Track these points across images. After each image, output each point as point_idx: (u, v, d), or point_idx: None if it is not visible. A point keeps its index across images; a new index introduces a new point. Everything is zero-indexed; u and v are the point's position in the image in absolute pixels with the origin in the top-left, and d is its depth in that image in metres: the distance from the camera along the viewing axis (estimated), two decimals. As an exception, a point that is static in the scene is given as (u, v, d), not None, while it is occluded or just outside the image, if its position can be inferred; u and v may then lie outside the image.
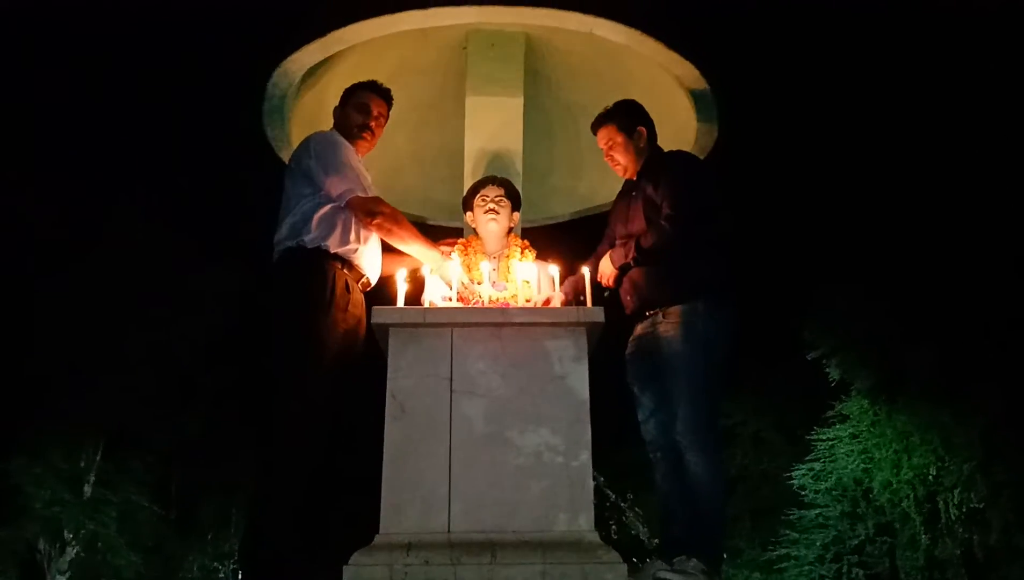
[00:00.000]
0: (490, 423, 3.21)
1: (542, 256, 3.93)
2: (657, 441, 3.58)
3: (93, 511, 12.14)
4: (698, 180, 3.68)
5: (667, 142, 3.93)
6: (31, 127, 13.78)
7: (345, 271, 3.45)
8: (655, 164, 3.74)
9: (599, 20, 3.92)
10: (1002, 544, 10.54)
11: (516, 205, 4.00)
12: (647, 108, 3.87)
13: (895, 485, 11.22)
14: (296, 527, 3.17)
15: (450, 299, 3.57)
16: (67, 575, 12.06)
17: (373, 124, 3.76)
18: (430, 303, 3.63)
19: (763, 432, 13.43)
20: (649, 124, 3.84)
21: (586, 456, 3.19)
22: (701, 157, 4.43)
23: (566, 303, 3.67)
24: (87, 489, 12.34)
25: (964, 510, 10.72)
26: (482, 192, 3.94)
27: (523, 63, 4.23)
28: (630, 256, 3.59)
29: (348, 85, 3.84)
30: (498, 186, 3.95)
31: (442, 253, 3.72)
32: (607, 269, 3.71)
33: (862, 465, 11.57)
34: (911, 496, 11.16)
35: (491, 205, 3.90)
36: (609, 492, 14.15)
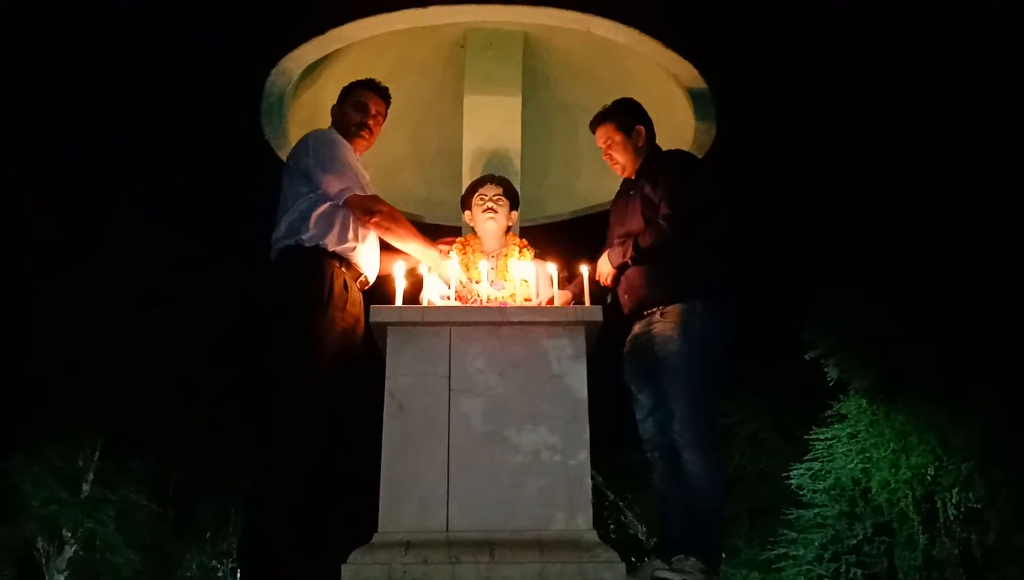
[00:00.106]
0: (488, 422, 3.21)
1: (540, 255, 3.93)
2: (655, 440, 3.58)
3: (92, 510, 12.16)
4: (696, 179, 3.68)
5: (665, 141, 3.93)
6: (31, 127, 13.79)
7: (343, 269, 3.44)
8: (653, 163, 3.74)
9: (597, 19, 3.92)
10: (1000, 544, 10.55)
11: (514, 204, 4.00)
12: (645, 107, 3.86)
13: (893, 485, 11.24)
14: (294, 526, 3.17)
15: (448, 298, 3.57)
16: (66, 574, 12.06)
17: (371, 122, 3.75)
18: (428, 302, 3.62)
19: (761, 432, 13.46)
20: (648, 123, 3.83)
21: (584, 455, 3.18)
22: (699, 156, 4.42)
23: (570, 303, 3.67)
24: (85, 488, 12.35)
25: (962, 510, 10.73)
26: (480, 191, 3.94)
27: (521, 62, 4.23)
28: (628, 255, 3.59)
29: (346, 83, 3.84)
30: (496, 185, 3.95)
31: (440, 252, 3.72)
32: (605, 268, 3.70)
33: (860, 465, 11.58)
34: (909, 496, 11.18)
35: (489, 204, 3.90)
36: (607, 491, 14.15)
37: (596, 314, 3.37)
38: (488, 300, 3.59)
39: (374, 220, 3.52)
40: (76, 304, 12.17)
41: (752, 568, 12.91)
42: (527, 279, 3.71)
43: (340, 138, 3.65)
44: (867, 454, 11.56)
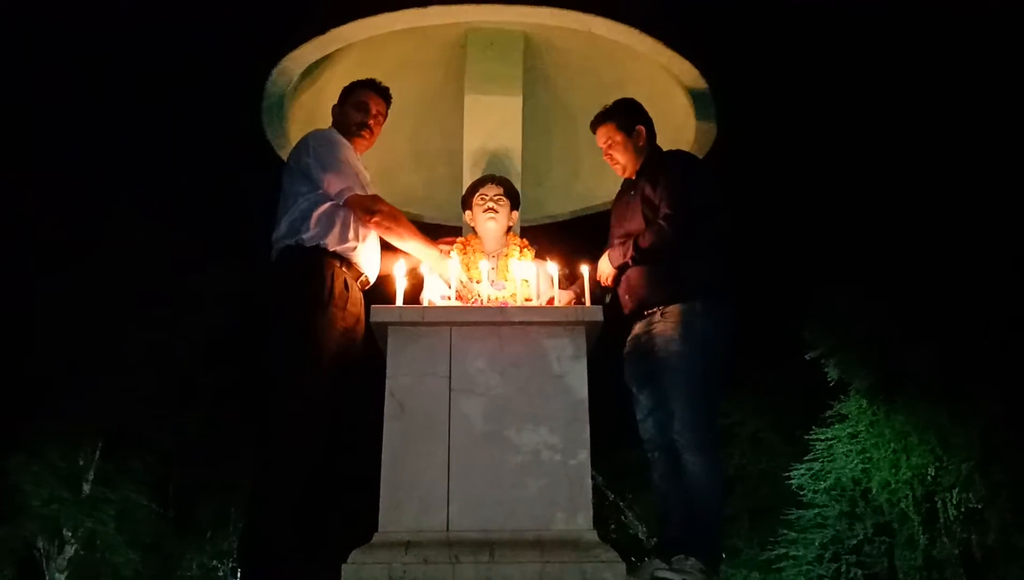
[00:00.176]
0: (489, 422, 3.21)
1: (541, 255, 3.93)
2: (655, 440, 3.58)
3: (92, 509, 12.16)
4: (696, 179, 3.68)
5: (666, 141, 3.93)
6: (31, 127, 13.79)
7: (344, 269, 3.44)
8: (654, 163, 3.74)
9: (598, 19, 3.92)
10: (1000, 544, 10.54)
11: (515, 204, 4.00)
12: (646, 107, 3.87)
13: (893, 485, 11.24)
14: (294, 526, 3.17)
15: (449, 298, 3.57)
16: (66, 573, 12.07)
17: (372, 122, 3.76)
18: (429, 302, 3.63)
19: (761, 432, 13.45)
20: (648, 123, 3.83)
21: (584, 455, 3.19)
22: (700, 156, 4.42)
23: (572, 304, 3.67)
24: (86, 487, 12.35)
25: (962, 510, 10.73)
26: (481, 191, 3.94)
27: (522, 62, 4.22)
28: (628, 256, 3.59)
29: (347, 83, 3.84)
30: (497, 185, 3.95)
31: (441, 251, 3.72)
32: (606, 269, 3.71)
33: (861, 465, 11.58)
34: (909, 496, 11.18)
35: (490, 204, 3.89)
36: (608, 491, 14.14)
37: (596, 314, 3.37)
38: (488, 300, 3.59)
39: (375, 219, 3.52)
40: (76, 304, 12.17)
41: (752, 568, 12.92)
42: (527, 279, 3.71)
43: (340, 138, 3.65)
44: (867, 454, 11.56)
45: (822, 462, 11.85)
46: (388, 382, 3.26)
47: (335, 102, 3.83)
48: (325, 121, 3.85)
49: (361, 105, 3.75)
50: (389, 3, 3.85)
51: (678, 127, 4.44)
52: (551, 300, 3.66)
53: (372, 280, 3.65)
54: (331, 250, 3.42)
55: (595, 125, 3.87)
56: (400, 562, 2.94)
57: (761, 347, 11.15)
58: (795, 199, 13.60)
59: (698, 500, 3.36)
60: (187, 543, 14.11)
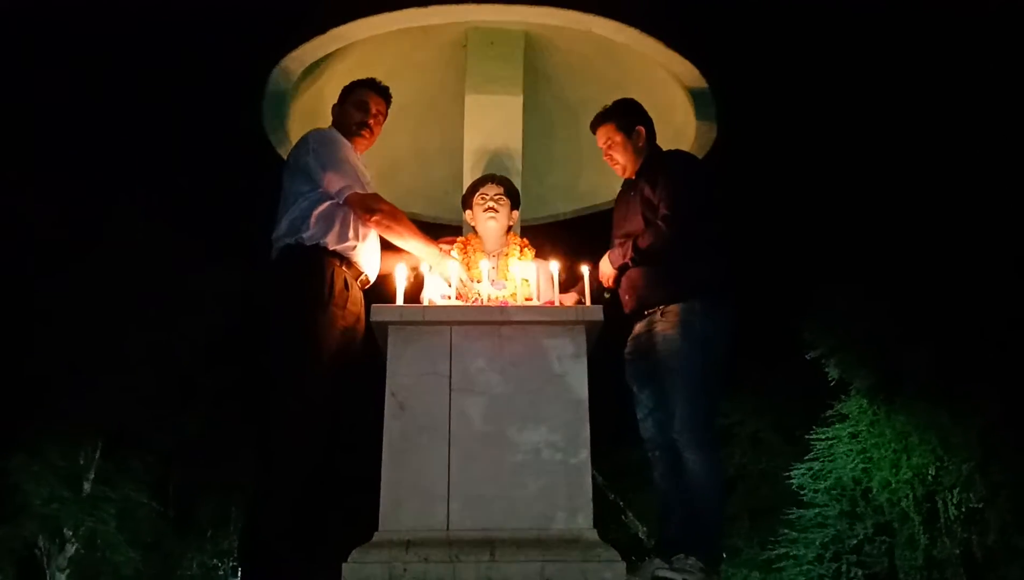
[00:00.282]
0: (489, 421, 3.21)
1: (541, 254, 3.93)
2: (655, 439, 3.58)
3: (92, 508, 12.17)
4: (696, 179, 3.68)
5: (666, 141, 3.93)
6: (31, 127, 13.80)
7: (344, 268, 3.44)
8: (653, 163, 3.74)
9: (598, 18, 3.92)
10: (1000, 544, 10.54)
11: (515, 203, 4.00)
12: (646, 106, 3.87)
13: (894, 485, 11.24)
14: (295, 525, 3.17)
15: (449, 297, 3.57)
16: (67, 572, 12.08)
17: (372, 122, 3.75)
18: (429, 301, 3.63)
19: (761, 432, 13.45)
20: (648, 123, 3.83)
21: (585, 454, 3.19)
22: (700, 156, 4.42)
23: (575, 303, 3.67)
24: (86, 486, 12.36)
25: (963, 510, 10.73)
26: (481, 190, 3.94)
27: (523, 61, 4.22)
28: (628, 256, 3.60)
29: (347, 83, 3.84)
30: (497, 184, 3.95)
31: (441, 250, 3.72)
32: (606, 269, 3.71)
33: (861, 465, 11.58)
34: (910, 496, 11.18)
35: (490, 203, 3.89)
36: (608, 490, 14.14)
37: (597, 314, 3.37)
38: (489, 299, 3.59)
39: (375, 218, 3.51)
40: (76, 304, 12.18)
41: (753, 568, 12.92)
42: (528, 278, 3.71)
43: (340, 137, 3.65)
44: (868, 454, 11.56)
45: (822, 462, 11.85)
46: (388, 381, 3.26)
47: (335, 101, 3.83)
48: (325, 121, 3.84)
49: (361, 104, 3.75)
50: (390, 2, 3.85)
51: (678, 127, 4.45)
52: (550, 301, 3.66)
53: (372, 279, 3.65)
54: (331, 249, 3.41)
55: (595, 125, 3.87)
56: (401, 561, 2.95)
57: (761, 347, 11.16)
58: (795, 199, 13.61)
59: (698, 499, 3.36)
60: (187, 542, 14.12)
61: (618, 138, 3.78)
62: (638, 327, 3.68)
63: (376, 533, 3.08)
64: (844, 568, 11.58)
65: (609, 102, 3.85)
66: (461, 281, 3.62)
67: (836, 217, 13.26)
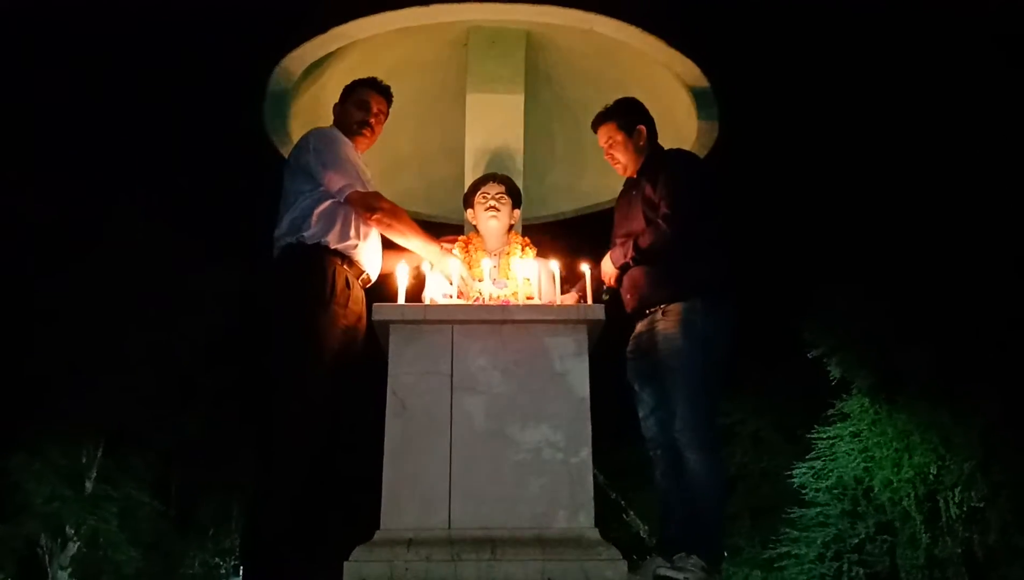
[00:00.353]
0: (490, 420, 3.21)
1: (543, 253, 3.93)
2: (657, 438, 3.58)
3: (94, 507, 12.19)
4: (697, 178, 3.68)
5: (668, 140, 3.92)
6: (31, 127, 13.80)
7: (345, 267, 3.44)
8: (655, 162, 3.74)
9: (600, 17, 3.92)
10: (1001, 544, 10.54)
11: (517, 202, 3.99)
12: (648, 106, 3.86)
13: (895, 484, 11.23)
14: (295, 525, 3.17)
15: (451, 296, 3.57)
16: (68, 570, 12.09)
17: (373, 121, 3.75)
18: (431, 300, 3.63)
19: (762, 431, 13.45)
20: (649, 122, 3.83)
21: (586, 453, 3.19)
22: (701, 155, 4.42)
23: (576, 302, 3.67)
24: (88, 485, 12.37)
25: (964, 509, 10.72)
26: (483, 189, 3.94)
27: (524, 60, 4.22)
28: (628, 255, 3.60)
29: (348, 82, 3.84)
30: (499, 183, 3.95)
31: (442, 248, 3.72)
32: (608, 269, 3.71)
33: (863, 464, 11.58)
34: (911, 495, 11.17)
35: (492, 202, 3.89)
36: (609, 489, 14.14)
37: (598, 312, 3.37)
38: (490, 298, 3.59)
39: (375, 216, 3.51)
40: (76, 304, 12.18)
41: (754, 567, 12.92)
42: (529, 277, 3.71)
43: (341, 136, 3.65)
44: (869, 453, 11.55)
45: (824, 461, 11.85)
46: (390, 380, 3.26)
47: (337, 101, 3.83)
48: (327, 120, 3.84)
49: (362, 104, 3.75)
50: (391, 1, 3.85)
51: (680, 126, 4.44)
52: (552, 300, 3.66)
53: (374, 278, 3.65)
54: (332, 248, 3.41)
55: (596, 125, 3.87)
56: (402, 559, 2.95)
57: (762, 346, 11.16)
58: (795, 199, 13.60)
59: (699, 498, 3.36)
60: (189, 541, 14.13)
61: (619, 137, 3.78)
62: (640, 326, 3.68)
63: (377, 532, 3.08)
64: (846, 567, 11.57)
65: (610, 101, 3.85)
66: (462, 279, 3.62)
67: (836, 217, 13.26)
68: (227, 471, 12.87)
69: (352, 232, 3.47)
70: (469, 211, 4.03)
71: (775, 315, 11.66)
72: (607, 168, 3.97)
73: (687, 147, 4.32)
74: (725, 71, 4.54)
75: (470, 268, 3.75)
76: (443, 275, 3.66)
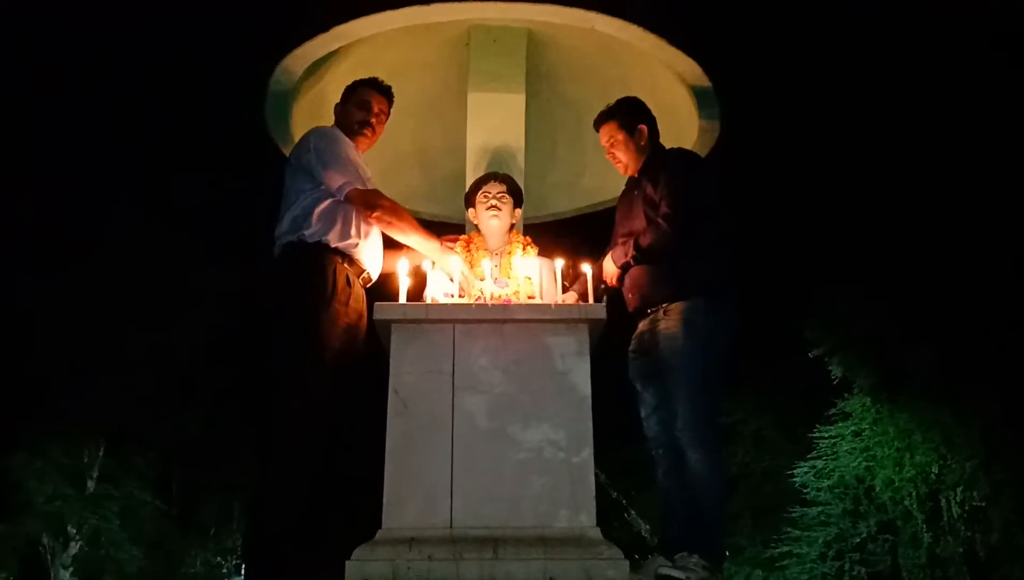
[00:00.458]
0: (492, 419, 3.21)
1: (544, 252, 3.92)
2: (659, 438, 3.58)
3: (96, 506, 12.20)
4: (698, 178, 3.68)
5: (669, 139, 3.92)
6: (31, 127, 13.79)
7: (346, 265, 3.44)
8: (656, 162, 3.74)
9: (601, 16, 3.92)
10: (1003, 543, 10.54)
11: (518, 201, 3.99)
12: (649, 105, 3.86)
13: (897, 483, 11.23)
14: (297, 524, 3.17)
15: (452, 295, 3.57)
16: (71, 569, 12.10)
17: (374, 121, 3.76)
18: (432, 299, 3.62)
19: (764, 430, 13.45)
20: (651, 122, 3.83)
21: (588, 452, 3.19)
22: (703, 155, 4.42)
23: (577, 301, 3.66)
24: (90, 484, 12.37)
25: (966, 508, 10.72)
26: (484, 188, 3.94)
27: (525, 59, 4.22)
28: (629, 255, 3.60)
29: (350, 82, 3.84)
30: (500, 182, 3.94)
31: (443, 244, 3.71)
32: (609, 268, 3.71)
33: (864, 463, 11.57)
34: (913, 494, 11.17)
35: (493, 201, 3.89)
36: (611, 488, 14.14)
37: (599, 311, 3.37)
38: (492, 297, 3.59)
39: (376, 214, 3.51)
40: (76, 304, 12.18)
41: (755, 566, 12.91)
42: (531, 276, 3.71)
43: (342, 135, 3.65)
44: (871, 452, 11.55)
45: (825, 460, 11.84)
46: (391, 379, 3.27)
47: (338, 101, 3.83)
48: (328, 120, 3.85)
49: (363, 103, 3.75)
50: (392, 1, 3.85)
51: (681, 125, 4.43)
52: (553, 300, 3.66)
53: (375, 277, 3.65)
54: (333, 246, 3.41)
55: (598, 124, 3.87)
56: (404, 559, 2.95)
57: (763, 346, 11.15)
58: (796, 198, 13.59)
59: (701, 497, 3.36)
60: (190, 540, 14.14)
61: (620, 136, 3.78)
62: (641, 325, 3.68)
63: (379, 531, 3.08)
64: (847, 566, 11.56)
65: (612, 100, 3.85)
66: (463, 275, 3.62)
67: (837, 217, 13.25)
68: (228, 470, 12.88)
69: (353, 231, 3.47)
70: (470, 210, 4.03)
71: (776, 314, 11.65)
72: (608, 167, 3.97)
73: (688, 146, 4.31)
74: (726, 70, 4.53)
75: (471, 267, 3.75)
76: (444, 272, 3.66)
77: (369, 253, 3.56)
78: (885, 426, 11.50)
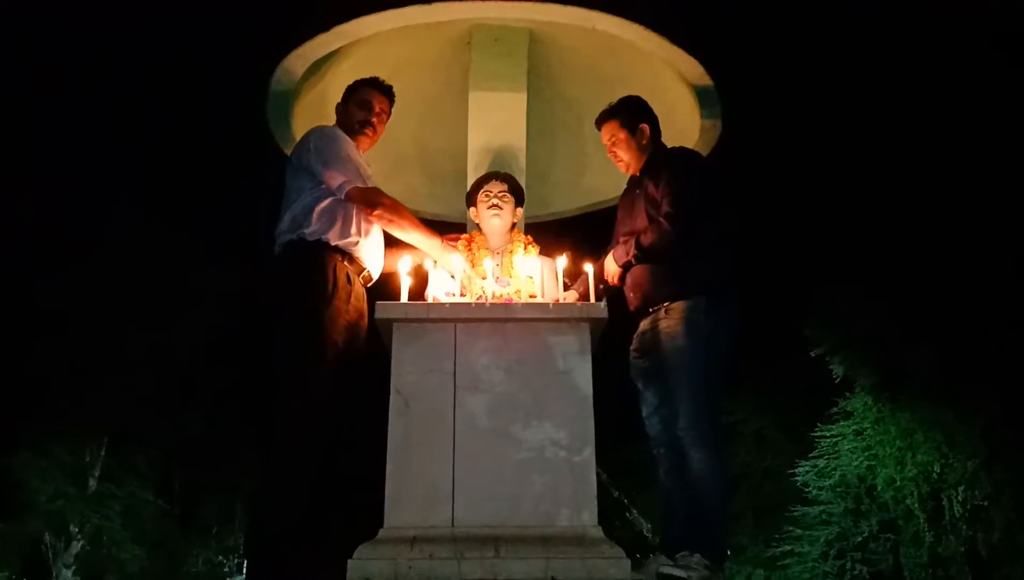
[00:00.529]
0: (493, 418, 3.22)
1: (545, 252, 3.93)
2: (660, 437, 3.58)
3: (98, 505, 12.19)
4: (699, 177, 3.68)
5: (670, 138, 3.92)
6: (31, 127, 13.79)
7: (346, 264, 3.44)
8: (657, 161, 3.75)
9: (603, 15, 3.93)
10: (1005, 542, 10.53)
11: (519, 201, 4.00)
12: (651, 104, 3.87)
13: (899, 482, 11.20)
14: (299, 523, 3.17)
15: (453, 294, 3.57)
16: (72, 568, 12.10)
17: (375, 120, 3.76)
18: (434, 299, 3.62)
19: (765, 430, 13.44)
20: (652, 121, 3.83)
21: (589, 451, 3.19)
22: (704, 154, 4.42)
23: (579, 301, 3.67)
24: (92, 483, 12.37)
25: (968, 508, 10.71)
26: (485, 188, 3.94)
27: (527, 58, 4.22)
28: (631, 254, 3.60)
29: (351, 81, 3.84)
30: (501, 181, 3.95)
31: (444, 242, 3.71)
32: (611, 267, 3.71)
33: (866, 462, 11.55)
34: (915, 493, 11.14)
35: (494, 200, 3.90)
36: (612, 487, 14.14)
37: (601, 310, 3.37)
38: (493, 296, 3.59)
39: (376, 212, 3.52)
40: (76, 304, 12.18)
41: (757, 565, 12.89)
42: (532, 275, 3.71)
43: (342, 134, 3.66)
44: (873, 451, 11.52)
45: (827, 459, 11.81)
46: (393, 378, 3.27)
47: (339, 100, 3.83)
48: (330, 119, 3.85)
49: (364, 103, 3.76)
50: (393, 0, 3.85)
51: (683, 124, 4.44)
52: (556, 301, 3.66)
53: (375, 276, 3.65)
54: (333, 244, 3.42)
55: (599, 123, 3.88)
56: (405, 557, 2.95)
57: (762, 346, 11.13)
58: (797, 198, 13.59)
59: (703, 497, 3.36)
60: (192, 539, 14.13)
61: (622, 135, 3.79)
62: (643, 324, 3.68)
63: (381, 530, 3.08)
64: (849, 565, 11.54)
65: (613, 99, 3.86)
66: (465, 273, 3.62)
67: (837, 216, 13.24)
68: (230, 470, 12.88)
69: (353, 229, 3.47)
70: (472, 209, 4.03)
71: (777, 314, 11.64)
72: (610, 166, 3.98)
73: (690, 145, 4.31)
74: (728, 69, 4.53)
75: (473, 266, 3.75)
76: (446, 270, 3.66)
77: (370, 251, 3.56)
78: (887, 425, 11.47)
